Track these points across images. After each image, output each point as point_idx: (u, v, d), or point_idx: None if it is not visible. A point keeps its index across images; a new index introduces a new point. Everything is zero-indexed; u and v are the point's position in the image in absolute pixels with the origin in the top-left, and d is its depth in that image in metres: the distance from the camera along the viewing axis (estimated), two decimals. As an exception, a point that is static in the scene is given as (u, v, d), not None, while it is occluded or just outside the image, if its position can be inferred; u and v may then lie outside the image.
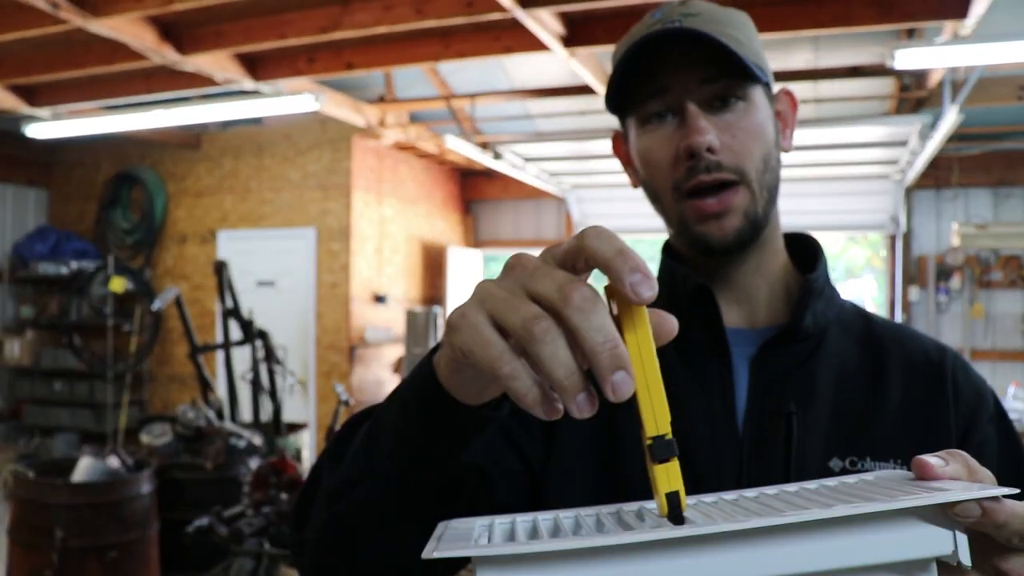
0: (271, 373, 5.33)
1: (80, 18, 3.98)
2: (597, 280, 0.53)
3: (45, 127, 6.03)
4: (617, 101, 0.92)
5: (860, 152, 5.82)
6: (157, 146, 7.74)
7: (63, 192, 8.37)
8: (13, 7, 4.14)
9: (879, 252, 8.14)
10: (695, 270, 0.93)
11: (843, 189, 6.80)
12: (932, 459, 0.54)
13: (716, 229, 0.87)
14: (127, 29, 4.27)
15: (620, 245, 0.48)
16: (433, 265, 8.52)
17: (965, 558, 0.48)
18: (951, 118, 4.57)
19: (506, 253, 9.28)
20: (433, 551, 0.46)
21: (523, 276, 0.51)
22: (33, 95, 5.87)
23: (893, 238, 7.34)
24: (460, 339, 0.52)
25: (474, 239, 9.27)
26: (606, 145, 5.82)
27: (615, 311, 0.49)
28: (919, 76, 5.34)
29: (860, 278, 8.47)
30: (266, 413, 5.37)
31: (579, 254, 0.50)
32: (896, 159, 5.92)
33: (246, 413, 5.50)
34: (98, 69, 5.00)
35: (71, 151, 8.15)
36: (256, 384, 5.32)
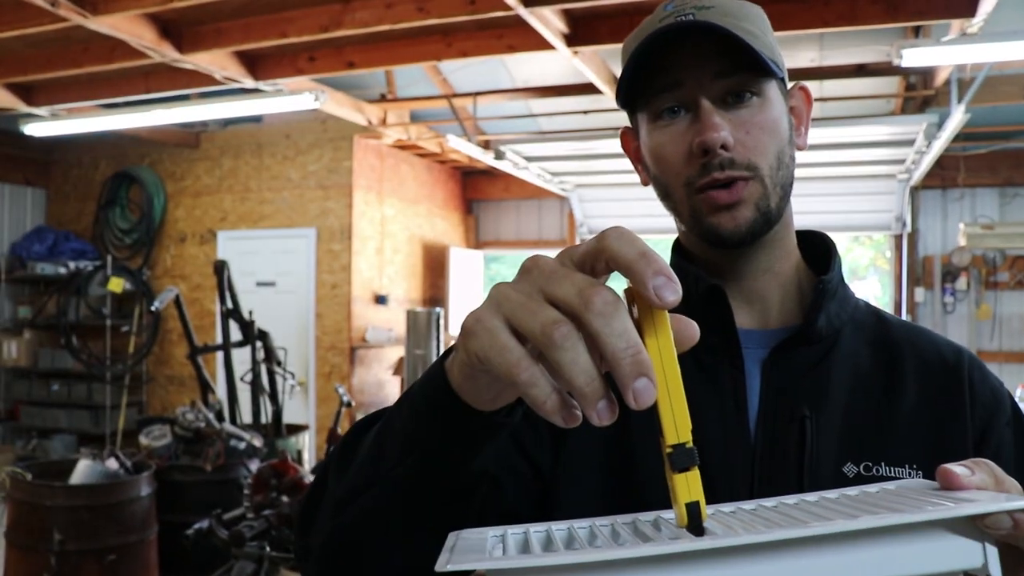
0: (271, 374, 5.31)
1: (79, 16, 3.95)
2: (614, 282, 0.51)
3: (43, 126, 6.01)
4: (628, 96, 0.90)
5: (865, 151, 5.80)
6: (156, 145, 7.71)
7: (61, 191, 8.35)
8: (11, 4, 4.11)
9: (884, 253, 8.11)
10: (706, 269, 0.91)
11: (848, 189, 6.78)
12: (957, 468, 0.52)
13: (728, 220, 0.85)
14: (126, 27, 4.24)
15: (642, 247, 0.46)
16: (434, 265, 8.49)
17: (996, 571, 0.46)
18: (958, 117, 4.54)
19: (508, 253, 9.26)
20: (446, 563, 0.45)
21: (541, 279, 0.49)
22: (31, 93, 5.84)
23: (899, 238, 7.32)
24: (476, 344, 0.50)
25: (475, 239, 9.25)
26: (609, 144, 5.80)
27: (635, 315, 0.48)
28: (925, 75, 5.31)
29: (864, 279, 8.46)
30: (266, 415, 5.35)
31: (599, 256, 0.48)
32: (902, 158, 5.90)
33: (246, 415, 5.47)
34: (97, 67, 4.98)
35: (69, 150, 8.13)
36: (256, 385, 5.30)
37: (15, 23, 4.27)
